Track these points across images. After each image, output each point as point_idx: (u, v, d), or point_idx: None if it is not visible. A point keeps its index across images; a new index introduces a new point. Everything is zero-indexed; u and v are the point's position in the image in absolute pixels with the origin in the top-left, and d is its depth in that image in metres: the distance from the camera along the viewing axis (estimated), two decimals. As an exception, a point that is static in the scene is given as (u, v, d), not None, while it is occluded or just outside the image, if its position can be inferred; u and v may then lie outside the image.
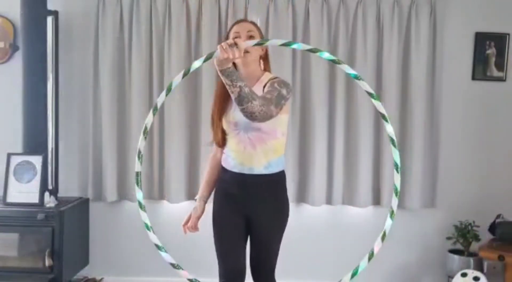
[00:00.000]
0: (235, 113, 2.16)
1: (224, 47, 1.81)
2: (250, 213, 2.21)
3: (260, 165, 2.16)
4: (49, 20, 3.51)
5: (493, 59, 3.66)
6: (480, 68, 3.66)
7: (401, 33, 3.55)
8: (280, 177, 2.24)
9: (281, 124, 2.18)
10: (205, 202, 2.33)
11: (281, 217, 2.27)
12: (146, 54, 3.54)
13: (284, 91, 2.05)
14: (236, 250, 2.24)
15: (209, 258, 3.59)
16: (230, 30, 2.23)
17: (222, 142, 2.25)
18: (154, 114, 1.88)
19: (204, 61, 1.87)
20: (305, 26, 3.53)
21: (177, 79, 1.87)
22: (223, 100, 2.21)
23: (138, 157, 1.93)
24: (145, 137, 1.92)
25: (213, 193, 2.34)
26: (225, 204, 2.24)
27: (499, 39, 3.65)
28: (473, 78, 3.68)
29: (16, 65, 3.51)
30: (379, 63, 3.56)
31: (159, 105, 1.89)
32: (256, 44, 1.96)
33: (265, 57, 2.25)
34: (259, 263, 2.26)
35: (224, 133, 2.24)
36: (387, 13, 3.52)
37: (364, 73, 3.52)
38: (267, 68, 2.26)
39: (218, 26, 3.52)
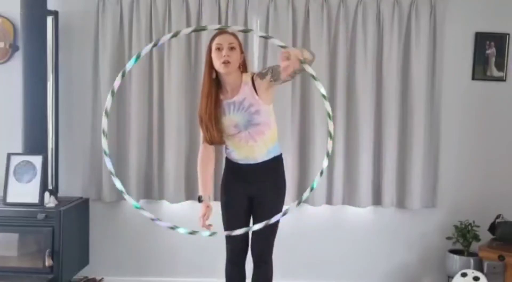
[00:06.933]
0: (233, 115, 2.43)
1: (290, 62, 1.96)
2: (254, 193, 2.52)
3: (262, 154, 2.48)
4: (49, 20, 3.51)
5: (493, 59, 3.66)
6: (480, 68, 3.66)
7: (401, 33, 3.55)
8: (277, 160, 2.56)
9: (272, 114, 2.49)
10: (209, 200, 2.56)
11: (280, 193, 2.57)
12: (145, 54, 3.54)
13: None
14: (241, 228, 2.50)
15: (209, 257, 3.61)
16: (212, 40, 2.43)
17: (215, 140, 2.49)
18: (112, 97, 1.90)
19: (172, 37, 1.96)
20: (305, 26, 3.53)
21: (145, 50, 1.92)
22: (213, 102, 2.43)
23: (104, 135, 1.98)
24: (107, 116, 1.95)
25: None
26: (232, 190, 2.56)
27: (499, 39, 3.65)
28: (473, 78, 3.68)
29: (16, 65, 3.51)
30: (379, 63, 3.56)
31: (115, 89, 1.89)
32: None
33: (243, 63, 2.50)
34: (260, 238, 2.48)
35: (219, 132, 2.46)
36: (387, 13, 3.52)
37: (364, 73, 3.53)
38: (244, 71, 2.51)
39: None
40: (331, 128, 2.06)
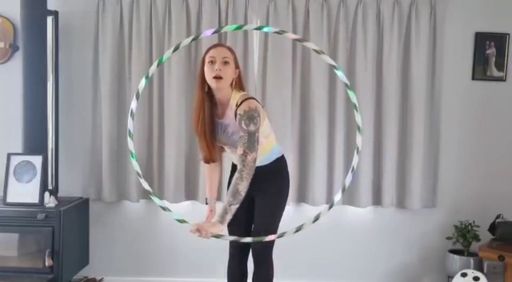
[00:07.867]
0: (220, 136, 2.43)
1: (199, 235, 2.12)
2: (254, 193, 2.45)
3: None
4: (49, 20, 3.51)
5: (493, 59, 3.66)
6: (480, 68, 3.67)
7: (401, 33, 3.55)
8: (275, 163, 2.54)
9: (261, 133, 2.34)
10: (215, 203, 2.66)
11: (279, 193, 2.56)
12: (146, 54, 3.54)
13: (252, 128, 2.22)
14: (241, 225, 2.55)
15: (209, 257, 3.61)
16: (206, 53, 2.36)
17: (210, 159, 2.50)
18: (137, 98, 2.16)
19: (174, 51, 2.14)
20: (305, 26, 3.53)
21: (153, 68, 2.17)
22: (205, 116, 2.39)
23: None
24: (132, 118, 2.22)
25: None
26: None
27: (499, 39, 3.65)
28: (473, 78, 3.68)
29: (16, 65, 3.51)
30: (379, 63, 3.56)
31: (140, 90, 2.16)
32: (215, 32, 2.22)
33: (238, 80, 2.39)
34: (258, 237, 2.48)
35: (211, 144, 2.44)
36: (387, 13, 3.52)
37: (364, 73, 3.53)
38: (240, 88, 2.40)
39: (218, 26, 3.51)
40: (358, 120, 2.29)
